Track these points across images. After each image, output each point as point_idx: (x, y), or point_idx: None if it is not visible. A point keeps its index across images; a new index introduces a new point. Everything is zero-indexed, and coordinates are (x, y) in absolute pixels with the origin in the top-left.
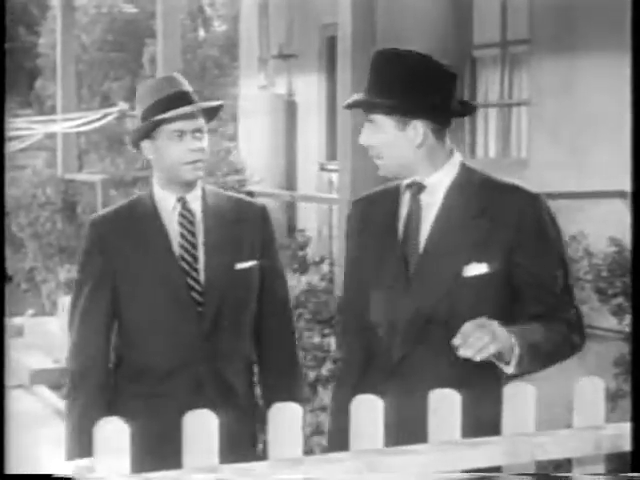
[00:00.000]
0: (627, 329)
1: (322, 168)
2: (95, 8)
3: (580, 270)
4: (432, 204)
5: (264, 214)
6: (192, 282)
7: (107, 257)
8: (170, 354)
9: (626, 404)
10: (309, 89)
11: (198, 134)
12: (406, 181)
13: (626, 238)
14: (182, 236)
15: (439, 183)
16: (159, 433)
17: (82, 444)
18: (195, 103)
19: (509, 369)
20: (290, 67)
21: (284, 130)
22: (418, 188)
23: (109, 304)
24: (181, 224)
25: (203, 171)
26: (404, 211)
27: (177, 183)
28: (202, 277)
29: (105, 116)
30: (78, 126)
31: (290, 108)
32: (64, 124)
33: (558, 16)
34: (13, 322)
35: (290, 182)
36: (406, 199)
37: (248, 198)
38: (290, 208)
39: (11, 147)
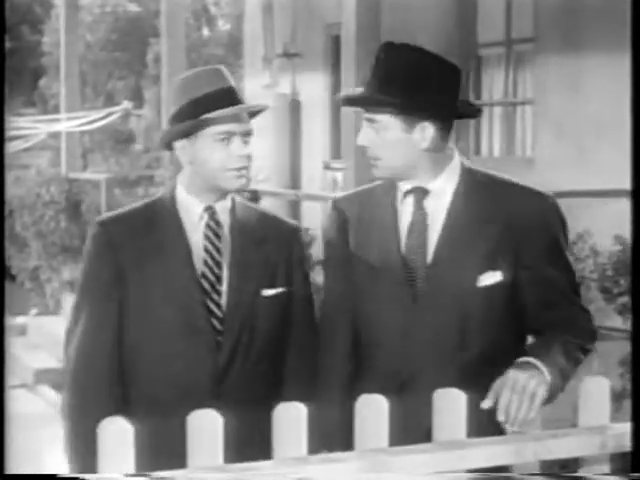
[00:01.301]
0: None
1: (326, 167)
2: (99, 7)
3: (585, 269)
4: (438, 211)
5: (296, 235)
6: (213, 306)
7: (117, 264)
8: (179, 388)
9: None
10: (313, 88)
11: (247, 138)
12: (406, 186)
13: None
14: (207, 251)
15: (443, 188)
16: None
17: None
18: (242, 102)
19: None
20: (294, 66)
21: (288, 129)
22: (422, 194)
23: (116, 318)
24: (207, 237)
25: (247, 180)
26: (405, 220)
27: (210, 190)
28: (224, 301)
29: (109, 115)
30: (82, 125)
31: (294, 107)
32: (68, 123)
33: (563, 15)
34: (17, 321)
35: (294, 181)
36: (407, 206)
37: (280, 216)
38: (295, 207)
39: (15, 146)
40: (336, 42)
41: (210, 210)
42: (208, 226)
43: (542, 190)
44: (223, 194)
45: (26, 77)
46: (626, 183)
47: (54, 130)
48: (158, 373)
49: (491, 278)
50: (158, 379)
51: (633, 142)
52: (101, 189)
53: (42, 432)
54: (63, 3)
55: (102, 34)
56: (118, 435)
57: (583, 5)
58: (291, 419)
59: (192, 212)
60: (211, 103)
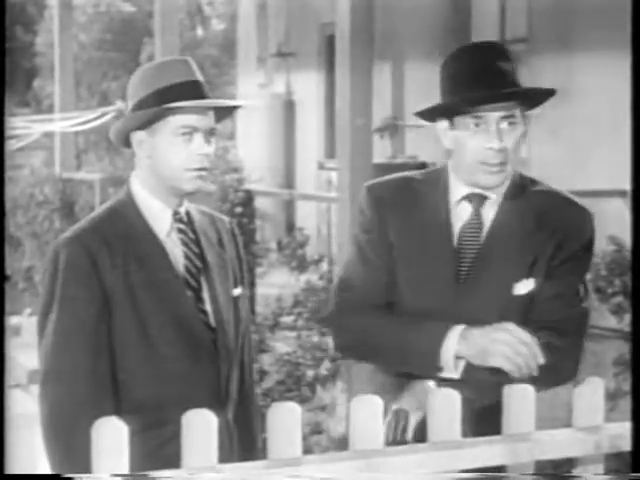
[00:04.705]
0: (626, 328)
1: (321, 167)
2: (93, 7)
3: None
4: (489, 216)
5: (234, 231)
6: (202, 316)
7: (101, 281)
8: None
9: (625, 404)
10: (308, 88)
11: (210, 137)
12: (464, 190)
13: (626, 237)
14: (187, 258)
15: (498, 193)
16: None
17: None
18: (209, 97)
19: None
20: (289, 66)
21: (283, 128)
22: (481, 200)
23: (107, 340)
24: (185, 243)
25: (204, 182)
26: (459, 222)
27: (170, 192)
28: (209, 309)
29: (103, 115)
30: (76, 125)
31: (289, 107)
32: (62, 123)
33: (557, 15)
34: (10, 321)
35: (289, 181)
36: (463, 211)
37: (217, 213)
38: (289, 207)
39: (9, 146)
40: (330, 42)
41: (178, 215)
42: (182, 232)
43: (582, 204)
44: (182, 197)
45: (20, 77)
46: (619, 183)
47: (48, 130)
48: (159, 395)
49: (526, 286)
50: (159, 401)
51: (633, 142)
52: (95, 189)
53: (37, 432)
54: (57, 3)
55: (96, 34)
56: (113, 434)
57: (576, 6)
58: (284, 418)
59: (161, 218)
60: (175, 94)
